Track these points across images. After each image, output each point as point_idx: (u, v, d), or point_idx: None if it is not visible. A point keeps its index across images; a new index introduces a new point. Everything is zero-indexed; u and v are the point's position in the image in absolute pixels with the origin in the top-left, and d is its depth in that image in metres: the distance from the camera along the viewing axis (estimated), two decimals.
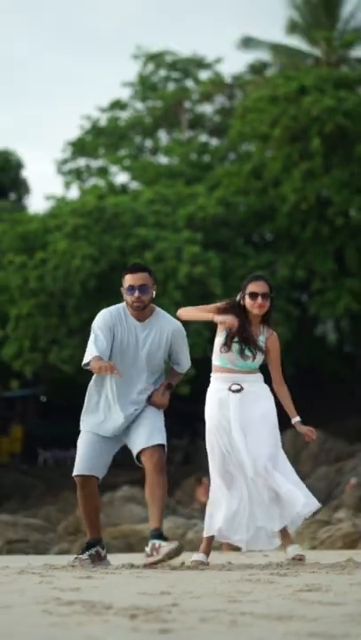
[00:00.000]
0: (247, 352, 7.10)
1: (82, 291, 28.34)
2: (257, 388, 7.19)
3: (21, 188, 42.22)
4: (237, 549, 8.84)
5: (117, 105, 40.21)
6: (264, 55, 38.28)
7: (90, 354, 6.78)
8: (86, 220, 29.15)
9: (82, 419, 7.05)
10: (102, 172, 39.10)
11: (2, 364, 30.65)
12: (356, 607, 4.27)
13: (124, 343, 6.91)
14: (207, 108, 39.92)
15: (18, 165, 42.19)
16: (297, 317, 31.67)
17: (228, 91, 39.36)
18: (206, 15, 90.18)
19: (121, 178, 47.47)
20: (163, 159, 39.29)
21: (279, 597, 4.69)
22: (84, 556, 6.93)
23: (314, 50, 37.06)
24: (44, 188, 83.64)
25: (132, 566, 6.86)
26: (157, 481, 6.74)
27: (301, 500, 7.00)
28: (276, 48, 37.30)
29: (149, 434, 6.81)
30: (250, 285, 7.14)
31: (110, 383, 6.94)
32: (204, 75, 40.10)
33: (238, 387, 7.12)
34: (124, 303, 7.00)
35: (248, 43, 37.18)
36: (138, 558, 8.57)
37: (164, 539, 6.72)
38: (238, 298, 7.19)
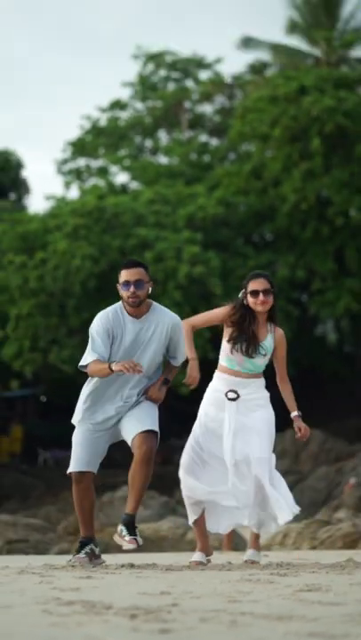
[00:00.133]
0: (252, 352, 7.11)
1: (82, 291, 28.34)
2: (256, 395, 7.19)
3: (21, 188, 42.22)
4: (237, 549, 8.83)
5: (117, 105, 40.20)
6: (264, 55, 38.32)
7: (89, 357, 6.82)
8: (86, 220, 29.15)
9: (76, 413, 7.06)
10: (102, 171, 39.09)
11: (2, 364, 30.65)
12: (356, 607, 4.27)
13: (124, 341, 6.92)
14: (207, 108, 39.94)
15: (18, 165, 42.19)
16: (297, 317, 31.67)
17: (228, 91, 39.36)
18: (206, 15, 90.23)
19: (121, 178, 47.49)
20: (163, 159, 39.28)
21: (279, 597, 4.69)
22: (82, 555, 6.93)
23: (314, 50, 37.06)
24: (44, 188, 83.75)
25: (132, 566, 6.87)
26: (141, 470, 6.76)
27: (284, 513, 7.00)
28: (276, 48, 37.30)
29: (141, 421, 6.82)
30: (250, 284, 7.16)
31: (110, 379, 6.95)
32: (204, 75, 40.11)
33: (235, 395, 7.13)
34: (120, 302, 7.02)
35: (248, 43, 37.17)
36: (138, 558, 8.57)
37: (132, 530, 6.83)
38: (241, 297, 7.20)
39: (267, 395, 7.25)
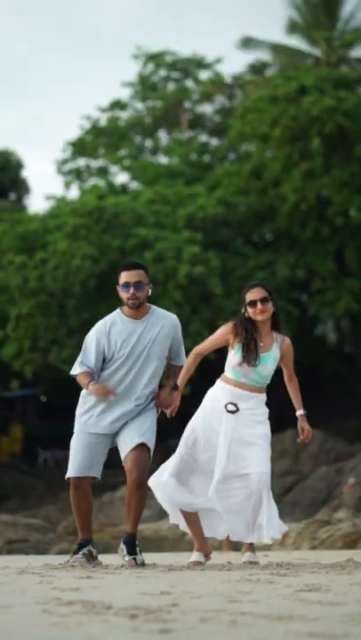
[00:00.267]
0: (255, 361, 7.10)
1: (82, 291, 28.34)
2: (256, 411, 7.16)
3: (21, 187, 42.22)
4: (237, 549, 8.83)
5: (117, 105, 40.20)
6: (264, 55, 38.30)
7: (78, 368, 6.94)
8: (86, 220, 29.15)
9: (77, 417, 7.05)
10: (102, 171, 39.09)
11: (2, 364, 30.65)
12: (356, 607, 4.27)
13: (127, 343, 6.93)
14: (207, 108, 39.93)
15: (18, 165, 42.18)
16: (297, 317, 31.67)
17: (228, 91, 39.35)
18: (206, 15, 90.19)
19: (121, 178, 47.51)
20: (163, 159, 39.28)
21: (279, 597, 4.69)
22: (80, 556, 6.94)
23: (314, 50, 37.05)
24: (44, 188, 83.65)
25: (132, 566, 6.87)
26: (135, 495, 6.85)
27: (274, 530, 7.02)
28: (276, 48, 37.29)
29: (136, 435, 6.84)
30: (247, 295, 7.19)
31: (114, 382, 6.95)
32: (204, 75, 40.10)
33: (234, 408, 7.12)
34: (119, 308, 7.05)
35: (248, 43, 37.16)
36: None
37: (131, 549, 6.89)
38: (243, 311, 7.23)
39: (266, 411, 7.23)
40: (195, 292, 28.73)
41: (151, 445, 6.88)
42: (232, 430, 7.08)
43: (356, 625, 3.75)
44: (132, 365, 6.95)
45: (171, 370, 7.17)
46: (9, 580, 5.74)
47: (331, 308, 30.83)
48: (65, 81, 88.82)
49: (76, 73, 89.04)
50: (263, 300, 7.15)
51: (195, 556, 7.28)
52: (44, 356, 28.81)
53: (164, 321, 7.02)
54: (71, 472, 6.92)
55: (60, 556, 11.84)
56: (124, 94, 48.16)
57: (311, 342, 34.49)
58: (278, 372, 7.41)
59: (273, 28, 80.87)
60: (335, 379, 35.04)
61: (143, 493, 6.85)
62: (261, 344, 7.17)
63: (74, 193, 39.28)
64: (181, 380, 7.22)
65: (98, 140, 39.33)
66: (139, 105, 40.46)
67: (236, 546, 13.37)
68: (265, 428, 7.18)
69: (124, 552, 6.92)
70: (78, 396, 7.17)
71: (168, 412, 7.07)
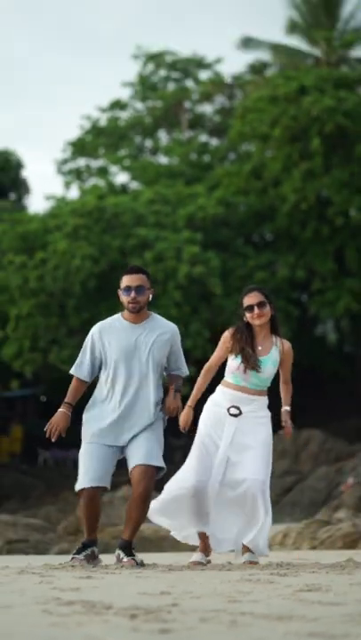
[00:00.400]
0: (253, 365, 7.11)
1: (82, 291, 28.34)
2: (259, 414, 7.17)
3: (21, 188, 42.21)
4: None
5: (117, 105, 40.21)
6: (264, 55, 38.32)
7: (74, 371, 7.07)
8: (86, 220, 29.15)
9: (84, 422, 7.05)
10: (102, 171, 39.10)
11: (2, 364, 30.66)
12: (356, 607, 4.27)
13: (122, 345, 6.95)
14: (207, 108, 39.94)
15: (18, 165, 42.18)
16: (297, 317, 31.68)
17: (228, 91, 39.36)
18: (206, 15, 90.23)
19: (121, 178, 47.55)
20: (163, 159, 39.29)
21: (279, 597, 4.69)
22: (81, 556, 6.93)
23: (314, 50, 37.06)
24: (44, 188, 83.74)
25: (131, 566, 6.87)
26: (138, 508, 6.88)
27: (257, 548, 7.06)
28: (276, 48, 37.30)
29: (145, 454, 6.86)
30: (244, 300, 7.20)
31: (118, 389, 6.97)
32: (204, 75, 40.12)
33: (237, 411, 7.13)
34: (120, 313, 7.08)
35: (248, 43, 37.17)
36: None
37: (129, 553, 6.92)
38: (241, 316, 7.25)
39: (268, 414, 7.24)
40: (195, 292, 28.73)
41: (159, 463, 6.90)
42: (233, 434, 7.09)
43: (356, 625, 3.75)
44: (130, 371, 6.94)
45: (172, 378, 7.16)
46: (9, 580, 5.74)
47: (331, 308, 30.84)
48: (65, 81, 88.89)
49: (76, 73, 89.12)
50: (260, 305, 7.16)
51: (196, 556, 7.28)
52: (44, 356, 28.81)
53: (164, 329, 7.02)
54: (84, 483, 6.87)
55: (60, 556, 11.84)
56: (124, 94, 48.24)
57: (311, 342, 34.50)
58: (278, 373, 7.41)
59: (273, 28, 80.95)
60: (335, 379, 35.05)
61: (147, 507, 6.92)
62: (260, 348, 7.18)
63: (74, 193, 39.33)
64: (192, 398, 7.25)
65: (98, 140, 39.34)
66: (139, 105, 40.48)
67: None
68: (267, 432, 7.19)
69: (122, 555, 6.94)
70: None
71: (173, 414, 7.06)
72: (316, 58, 36.71)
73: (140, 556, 7.06)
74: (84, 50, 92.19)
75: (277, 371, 7.28)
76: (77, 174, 39.86)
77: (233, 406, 7.12)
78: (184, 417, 7.21)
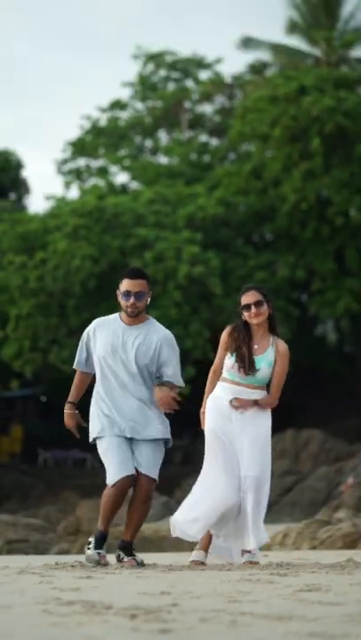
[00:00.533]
0: (249, 369, 7.11)
1: (82, 291, 28.34)
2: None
3: (21, 188, 42.20)
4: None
5: (117, 105, 40.19)
6: (264, 55, 38.30)
7: (75, 363, 7.25)
8: (86, 220, 29.14)
9: (90, 424, 7.09)
10: (102, 171, 39.09)
11: (2, 364, 30.64)
12: (356, 607, 4.27)
13: (109, 344, 7.04)
14: (207, 108, 39.92)
15: (18, 165, 42.17)
16: (297, 317, 31.67)
17: (228, 91, 39.35)
18: (206, 15, 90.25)
19: (121, 178, 47.47)
20: (163, 159, 39.28)
21: (279, 597, 4.69)
22: (102, 552, 6.94)
23: (314, 50, 37.05)
24: (44, 188, 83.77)
25: (132, 566, 6.87)
26: (140, 508, 6.96)
27: (250, 538, 7.10)
28: (276, 48, 37.29)
29: (146, 465, 6.93)
30: (242, 299, 7.23)
31: (108, 389, 7.03)
32: (204, 75, 40.10)
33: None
34: (120, 313, 7.13)
35: (248, 43, 37.16)
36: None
37: (129, 553, 6.97)
38: (240, 314, 7.27)
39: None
40: (195, 292, 28.73)
41: (156, 476, 6.99)
42: (241, 428, 7.11)
43: (356, 625, 3.75)
44: (115, 370, 7.01)
45: (164, 385, 7.15)
46: (9, 580, 5.74)
47: (331, 308, 30.84)
48: (65, 81, 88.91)
49: (76, 73, 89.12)
50: (257, 304, 7.17)
51: (196, 554, 7.28)
52: (44, 356, 28.80)
53: (158, 335, 7.04)
54: (116, 474, 6.85)
55: (60, 556, 11.83)
56: (124, 94, 48.14)
57: (311, 342, 34.50)
58: None
59: (273, 28, 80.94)
60: (335, 379, 35.04)
61: (147, 507, 6.99)
62: (257, 347, 7.19)
63: (74, 193, 39.31)
64: (204, 403, 7.28)
65: (98, 140, 39.33)
66: (139, 105, 40.47)
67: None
68: (266, 426, 7.22)
69: (122, 556, 6.96)
70: None
71: (165, 407, 7.03)
72: (316, 58, 36.71)
73: (140, 556, 7.07)
74: (84, 50, 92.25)
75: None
76: (77, 174, 39.85)
77: (235, 398, 7.15)
78: (202, 423, 7.26)
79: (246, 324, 7.22)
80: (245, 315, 7.20)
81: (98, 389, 7.10)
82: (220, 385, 7.25)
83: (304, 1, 37.05)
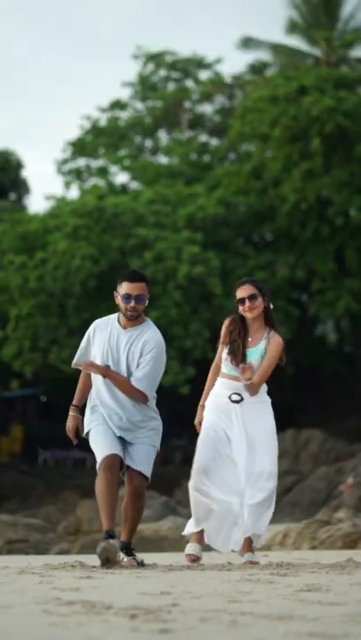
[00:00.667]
0: (241, 360, 7.11)
1: (82, 291, 28.33)
2: (256, 400, 7.21)
3: (21, 188, 42.20)
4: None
5: (117, 105, 40.19)
6: (264, 55, 38.30)
7: (75, 360, 7.24)
8: (86, 221, 29.14)
9: (85, 421, 7.11)
10: (102, 171, 39.09)
11: (2, 364, 30.65)
12: (356, 607, 4.27)
13: (104, 344, 7.06)
14: (207, 108, 39.92)
15: (18, 165, 42.17)
16: (297, 317, 31.67)
17: (228, 91, 39.34)
18: (206, 15, 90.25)
19: (121, 178, 47.50)
20: (163, 159, 39.27)
21: (279, 597, 4.69)
22: (129, 560, 6.91)
23: (314, 50, 37.06)
24: (44, 188, 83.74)
25: (131, 566, 6.87)
26: (133, 505, 6.95)
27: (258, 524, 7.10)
28: (276, 48, 37.29)
29: (138, 462, 6.92)
30: (236, 293, 7.27)
31: (101, 391, 7.06)
32: (204, 75, 40.10)
33: (238, 397, 7.17)
34: (118, 313, 7.14)
35: (248, 43, 37.16)
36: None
37: (129, 553, 6.96)
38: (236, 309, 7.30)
39: (268, 400, 7.29)
40: (195, 292, 28.72)
41: (149, 474, 6.97)
42: (243, 420, 7.12)
43: (356, 625, 3.75)
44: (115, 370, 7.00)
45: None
46: (9, 580, 5.74)
47: (331, 308, 30.83)
48: (65, 81, 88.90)
49: (76, 73, 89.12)
50: (251, 298, 7.19)
51: (191, 548, 7.25)
52: (44, 356, 28.80)
53: (148, 336, 7.02)
54: (100, 454, 6.83)
55: (60, 557, 11.83)
56: (124, 94, 48.18)
57: (311, 342, 34.50)
58: (278, 372, 7.41)
59: (273, 28, 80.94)
60: (335, 379, 35.04)
61: (141, 505, 6.98)
62: (251, 339, 7.20)
63: (74, 193, 39.32)
64: (204, 397, 7.32)
65: (98, 140, 39.33)
66: (139, 105, 40.47)
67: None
68: (270, 420, 7.25)
69: (122, 556, 6.94)
70: None
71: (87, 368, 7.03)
72: (316, 58, 36.71)
73: (140, 556, 7.07)
74: (84, 50, 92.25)
75: (279, 365, 7.28)
76: (77, 174, 39.85)
77: (234, 393, 7.16)
78: (198, 417, 7.29)
79: (243, 318, 7.24)
80: (240, 309, 7.22)
81: (92, 389, 7.13)
82: (218, 381, 7.27)
83: (304, 1, 37.04)
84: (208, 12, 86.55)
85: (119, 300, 7.04)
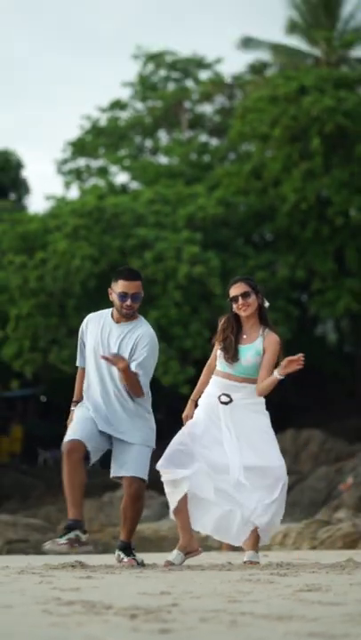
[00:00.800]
0: (233, 356, 7.11)
1: (82, 291, 28.34)
2: (250, 401, 7.16)
3: (21, 188, 42.21)
4: (238, 549, 8.81)
5: (117, 105, 40.19)
6: (264, 55, 38.29)
7: (78, 360, 7.25)
8: (86, 221, 29.14)
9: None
10: (102, 171, 39.08)
11: (2, 364, 30.65)
12: (356, 607, 4.27)
13: (96, 338, 7.09)
14: (207, 108, 39.92)
15: (18, 165, 42.18)
16: (297, 317, 31.66)
17: (228, 91, 39.34)
18: (206, 15, 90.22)
19: (121, 178, 47.53)
20: (163, 159, 39.27)
21: (279, 597, 4.69)
22: (63, 541, 6.68)
23: (314, 50, 37.05)
24: (44, 188, 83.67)
25: (132, 566, 6.87)
26: (133, 507, 6.95)
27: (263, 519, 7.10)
28: (276, 48, 37.28)
29: (133, 466, 6.88)
30: (230, 291, 7.29)
31: (91, 383, 7.08)
32: (204, 75, 40.09)
33: (227, 399, 7.13)
34: (113, 309, 7.15)
35: (248, 43, 37.15)
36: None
37: (129, 553, 6.97)
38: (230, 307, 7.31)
39: (261, 400, 7.23)
40: (195, 292, 28.72)
41: (146, 477, 6.96)
42: (232, 423, 7.09)
43: (357, 625, 3.75)
44: (98, 363, 7.03)
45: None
46: (9, 580, 5.74)
47: (331, 308, 30.83)
48: (65, 81, 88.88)
49: (76, 73, 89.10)
50: (244, 295, 7.20)
51: (172, 555, 7.08)
52: (44, 356, 28.81)
53: (141, 331, 7.02)
54: (66, 438, 6.86)
55: (60, 557, 11.82)
56: (124, 94, 48.22)
57: (311, 342, 34.48)
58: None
59: (273, 28, 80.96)
60: (335, 379, 35.04)
61: (140, 506, 6.98)
62: (245, 336, 7.19)
63: (74, 193, 39.31)
64: (195, 392, 7.32)
65: (98, 140, 39.32)
66: (139, 105, 40.46)
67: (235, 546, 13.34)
68: (263, 418, 7.21)
69: (122, 556, 6.96)
70: None
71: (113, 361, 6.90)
72: (316, 58, 36.71)
73: (140, 556, 7.07)
74: (84, 50, 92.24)
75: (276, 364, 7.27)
76: (77, 174, 39.84)
77: (223, 394, 7.13)
78: (186, 410, 7.26)
79: (237, 316, 7.23)
80: (234, 307, 7.23)
81: (85, 383, 7.15)
82: (212, 380, 7.26)
83: (304, 1, 37.04)
84: (208, 11, 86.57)
85: (114, 297, 7.07)
